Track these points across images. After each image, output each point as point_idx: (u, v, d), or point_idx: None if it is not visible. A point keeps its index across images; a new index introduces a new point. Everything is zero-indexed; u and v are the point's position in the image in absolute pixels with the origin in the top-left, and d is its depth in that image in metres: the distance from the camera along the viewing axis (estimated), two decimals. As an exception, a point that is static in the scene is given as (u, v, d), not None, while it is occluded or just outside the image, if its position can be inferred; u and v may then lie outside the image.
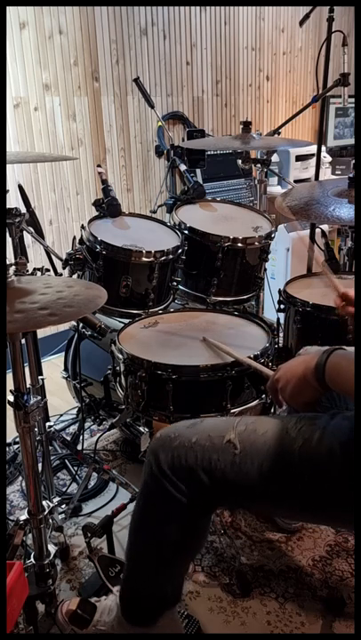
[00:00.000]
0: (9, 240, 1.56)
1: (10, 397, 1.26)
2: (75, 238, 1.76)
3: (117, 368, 1.61)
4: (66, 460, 2.11)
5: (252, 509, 1.80)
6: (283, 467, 1.08)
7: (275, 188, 3.71)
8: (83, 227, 1.80)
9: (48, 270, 1.60)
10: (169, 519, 1.16)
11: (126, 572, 1.30)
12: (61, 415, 2.46)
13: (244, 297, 1.99)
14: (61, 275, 1.73)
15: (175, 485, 1.11)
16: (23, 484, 2.01)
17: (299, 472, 1.06)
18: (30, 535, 1.39)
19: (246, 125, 2.06)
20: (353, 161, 1.72)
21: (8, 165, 2.71)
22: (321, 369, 1.04)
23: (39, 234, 1.66)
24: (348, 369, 1.00)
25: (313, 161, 3.21)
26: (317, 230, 2.33)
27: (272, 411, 1.67)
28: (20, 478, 2.05)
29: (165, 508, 1.15)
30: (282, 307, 1.87)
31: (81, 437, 1.99)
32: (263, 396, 1.56)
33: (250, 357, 1.45)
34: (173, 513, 1.14)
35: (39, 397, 1.28)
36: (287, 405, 1.28)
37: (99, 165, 2.77)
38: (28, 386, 1.29)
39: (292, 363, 1.14)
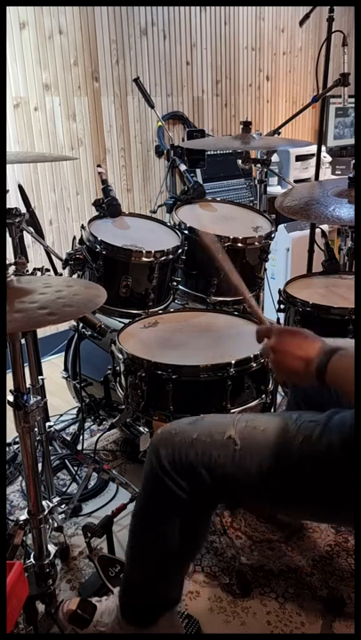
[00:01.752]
0: (9, 240, 1.56)
1: (10, 397, 1.26)
2: (75, 238, 1.76)
3: (117, 368, 1.61)
4: (66, 460, 2.11)
5: (252, 507, 1.80)
6: (282, 463, 1.08)
7: (275, 188, 3.71)
8: (83, 227, 1.80)
9: (48, 270, 1.60)
10: (169, 515, 1.16)
11: (127, 571, 1.30)
12: (61, 415, 2.46)
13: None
14: (61, 275, 1.73)
15: (176, 481, 1.12)
16: (23, 484, 2.01)
17: (298, 469, 1.06)
18: (30, 535, 1.39)
19: (246, 125, 2.06)
20: (353, 161, 1.72)
21: (8, 165, 2.71)
22: (322, 370, 1.03)
23: (39, 234, 1.66)
24: (349, 367, 1.00)
25: (313, 161, 3.21)
26: (317, 230, 2.32)
27: (272, 410, 1.67)
28: (20, 478, 2.05)
29: (166, 503, 1.15)
30: (282, 307, 1.87)
31: (81, 437, 1.99)
32: (263, 396, 1.57)
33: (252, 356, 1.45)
34: (174, 509, 1.15)
35: (39, 397, 1.28)
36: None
37: (99, 165, 2.77)
38: (27, 386, 1.29)
39: (292, 346, 1.06)
